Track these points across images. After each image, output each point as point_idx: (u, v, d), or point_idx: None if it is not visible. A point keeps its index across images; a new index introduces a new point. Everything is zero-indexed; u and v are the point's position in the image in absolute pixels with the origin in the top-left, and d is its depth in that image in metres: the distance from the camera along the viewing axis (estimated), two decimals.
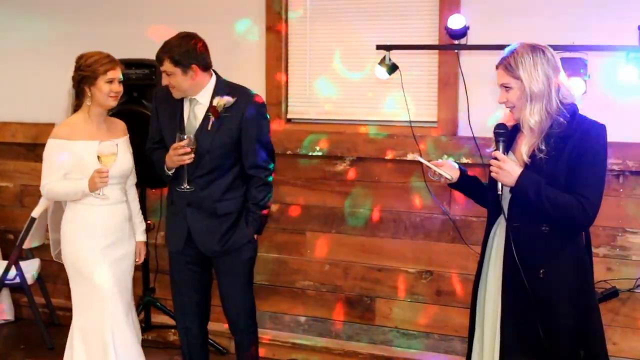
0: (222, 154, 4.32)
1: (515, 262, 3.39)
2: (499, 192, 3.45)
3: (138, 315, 5.61)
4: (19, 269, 5.75)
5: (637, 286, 4.83)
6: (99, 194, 4.20)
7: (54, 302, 6.20)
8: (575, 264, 3.41)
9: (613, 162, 4.71)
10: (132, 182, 4.56)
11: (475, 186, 3.73)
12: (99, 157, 4.09)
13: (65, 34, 6.09)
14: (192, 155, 4.22)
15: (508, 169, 3.37)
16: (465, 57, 5.04)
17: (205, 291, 4.61)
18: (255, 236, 4.49)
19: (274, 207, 5.63)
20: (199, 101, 4.34)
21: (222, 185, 4.35)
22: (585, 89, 4.43)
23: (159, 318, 5.86)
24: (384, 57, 4.94)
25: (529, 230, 3.41)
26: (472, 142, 4.96)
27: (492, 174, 3.42)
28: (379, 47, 4.96)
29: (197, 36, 4.32)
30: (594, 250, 3.72)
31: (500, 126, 3.47)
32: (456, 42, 4.85)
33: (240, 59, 5.64)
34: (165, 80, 4.29)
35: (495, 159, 3.41)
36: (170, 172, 4.37)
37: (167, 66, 4.22)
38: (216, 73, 4.40)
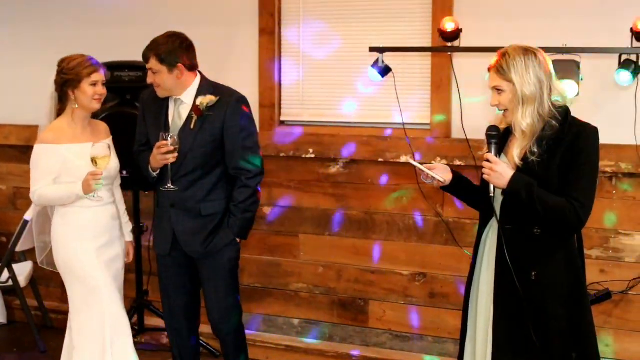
0: (205, 153, 4.32)
1: (507, 264, 3.40)
2: (491, 194, 3.45)
3: (131, 318, 5.62)
4: (11, 271, 5.73)
5: (630, 288, 4.83)
6: (93, 196, 4.19)
7: (46, 305, 6.18)
8: (567, 266, 3.42)
9: (606, 164, 4.72)
10: (117, 183, 4.56)
11: (467, 189, 3.72)
12: (93, 160, 4.09)
13: (59, 37, 6.07)
14: (176, 155, 4.22)
15: (500, 171, 3.37)
16: (459, 59, 5.05)
17: (193, 293, 4.61)
18: (239, 240, 4.47)
19: (267, 209, 5.63)
20: (183, 101, 4.35)
21: (205, 185, 4.36)
22: (578, 91, 4.43)
23: (152, 321, 5.85)
24: (377, 60, 4.94)
25: (521, 232, 3.42)
26: (465, 144, 4.96)
27: (484, 176, 3.42)
28: (372, 50, 4.95)
29: (184, 36, 4.33)
30: (586, 252, 3.72)
31: (492, 128, 3.48)
32: (449, 44, 4.85)
33: (234, 61, 5.64)
34: (150, 79, 4.31)
35: (488, 161, 3.41)
36: (155, 174, 4.38)
37: (153, 64, 4.24)
38: (201, 73, 4.41)
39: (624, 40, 4.48)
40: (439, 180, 3.61)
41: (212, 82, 4.42)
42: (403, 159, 5.18)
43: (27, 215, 5.57)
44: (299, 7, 5.56)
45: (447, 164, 3.99)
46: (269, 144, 5.48)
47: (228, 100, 4.33)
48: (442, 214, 5.21)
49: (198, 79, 4.38)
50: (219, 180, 4.39)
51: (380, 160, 5.31)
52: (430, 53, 5.19)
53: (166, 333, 5.73)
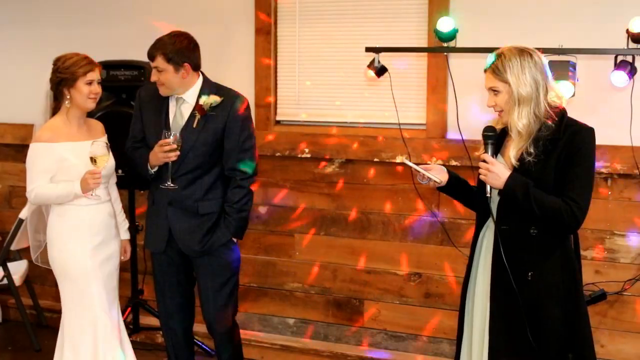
0: (205, 152, 4.34)
1: (503, 265, 3.40)
2: (488, 195, 3.46)
3: (126, 316, 5.61)
4: (6, 270, 5.73)
5: (625, 289, 4.84)
6: (91, 194, 4.19)
7: (41, 304, 6.18)
8: (563, 267, 3.42)
9: (601, 165, 4.72)
10: (113, 181, 4.55)
11: (463, 189, 3.73)
12: (92, 159, 4.09)
13: (55, 36, 6.07)
14: (178, 152, 4.24)
15: (496, 172, 3.37)
16: (454, 59, 5.05)
17: (188, 292, 4.63)
18: (236, 240, 4.49)
19: (263, 209, 5.63)
20: (185, 100, 4.37)
21: (204, 184, 4.38)
22: (574, 92, 4.44)
23: (147, 320, 5.84)
24: (373, 60, 4.94)
25: (518, 232, 3.42)
26: (460, 144, 4.97)
27: (481, 177, 3.43)
28: (368, 50, 4.95)
29: (190, 35, 4.36)
30: (582, 252, 3.73)
31: (488, 129, 3.48)
32: (445, 44, 4.84)
33: (230, 60, 5.63)
34: (155, 77, 4.31)
35: (484, 161, 3.41)
36: (153, 171, 4.39)
37: (159, 62, 4.25)
38: (203, 74, 4.43)
39: (620, 41, 4.48)
40: (435, 181, 3.61)
41: (214, 82, 4.45)
42: (399, 159, 5.18)
43: (22, 214, 5.57)
44: (294, 7, 5.55)
45: (443, 164, 3.98)
46: (264, 144, 5.48)
47: (231, 101, 4.36)
48: (438, 214, 5.21)
49: (201, 79, 4.41)
50: (216, 180, 4.41)
51: (375, 160, 5.31)
52: (426, 53, 5.20)
53: (161, 332, 5.74)
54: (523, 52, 3.38)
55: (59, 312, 4.38)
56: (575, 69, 4.49)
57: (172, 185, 4.33)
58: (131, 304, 5.73)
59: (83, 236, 4.27)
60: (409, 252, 5.34)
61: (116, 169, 4.53)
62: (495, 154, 3.48)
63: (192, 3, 5.77)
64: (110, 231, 4.41)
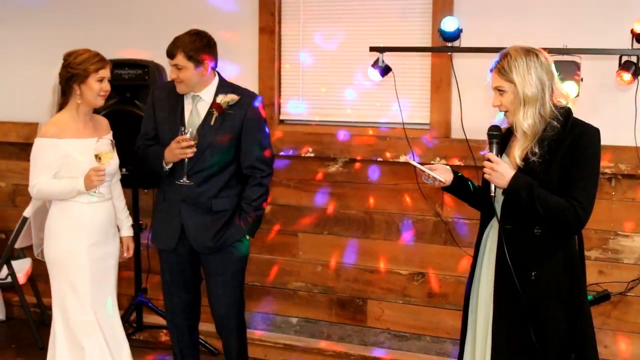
0: (222, 150, 4.38)
1: (507, 264, 3.40)
2: (492, 194, 3.46)
3: (130, 315, 5.62)
4: (10, 268, 5.73)
5: (629, 289, 4.83)
6: (95, 192, 4.19)
7: (45, 302, 6.17)
8: (567, 267, 3.42)
9: (606, 166, 4.72)
10: (117, 179, 4.54)
11: (468, 189, 3.73)
12: (97, 156, 4.08)
13: (58, 34, 6.07)
14: (195, 149, 4.28)
15: (501, 171, 3.37)
16: (458, 59, 5.05)
17: (195, 290, 4.65)
18: (248, 237, 4.52)
19: (266, 208, 5.63)
20: (202, 98, 4.43)
21: (219, 182, 4.41)
22: (579, 92, 4.43)
23: (150, 318, 5.85)
24: (377, 59, 4.94)
25: (522, 232, 3.42)
26: (464, 144, 4.96)
27: (485, 176, 3.43)
28: (372, 49, 4.95)
29: (209, 34, 4.42)
30: (586, 253, 3.72)
31: (493, 128, 3.48)
32: (449, 44, 4.84)
33: (233, 60, 5.63)
34: (174, 74, 4.36)
35: (489, 160, 3.42)
36: (167, 167, 4.40)
37: (179, 59, 4.30)
38: (218, 73, 4.49)
39: (624, 42, 4.48)
40: (440, 181, 3.61)
41: (229, 82, 4.52)
42: (402, 158, 5.18)
43: (26, 212, 5.57)
44: (298, 7, 5.56)
45: (447, 164, 3.98)
46: None
47: (248, 100, 4.43)
48: (441, 213, 5.21)
49: (217, 77, 4.47)
50: (231, 178, 4.46)
51: (379, 159, 5.31)
52: (430, 53, 5.19)
53: (165, 331, 5.75)
54: (529, 52, 3.38)
55: None
56: (579, 69, 4.48)
57: (187, 181, 4.36)
58: (135, 302, 5.73)
59: (82, 233, 4.25)
60: (412, 251, 5.34)
61: (120, 167, 4.53)
62: (500, 153, 3.48)
63: (196, 2, 5.77)
64: (110, 230, 4.40)
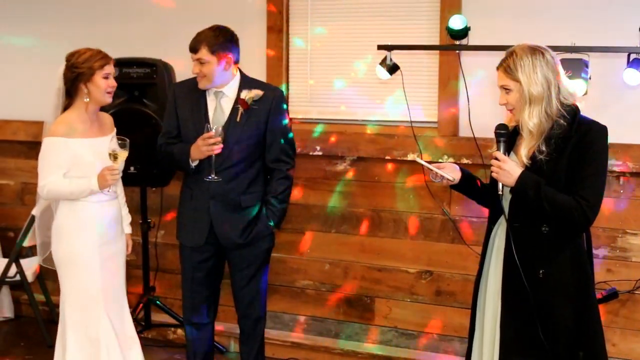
0: (250, 145, 4.43)
1: (515, 262, 3.40)
2: (500, 192, 3.46)
3: (138, 313, 5.63)
4: (19, 266, 5.75)
5: (637, 288, 4.83)
6: (108, 190, 4.20)
7: (53, 300, 6.18)
8: (575, 265, 3.42)
9: (614, 164, 4.71)
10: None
11: (476, 187, 3.73)
12: (113, 155, 4.07)
13: (67, 33, 6.08)
14: (221, 146, 4.30)
15: (508, 169, 3.37)
16: (466, 57, 5.04)
17: (216, 288, 4.69)
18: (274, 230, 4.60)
19: None
20: (225, 94, 4.46)
21: (246, 178, 4.47)
22: (586, 90, 4.43)
23: (159, 317, 5.86)
24: (385, 57, 4.94)
25: (529, 230, 3.42)
26: (472, 142, 4.96)
27: (493, 174, 3.43)
28: (380, 47, 4.96)
29: (231, 30, 4.47)
30: (594, 251, 3.72)
31: (501, 126, 3.48)
32: (457, 42, 4.84)
33: (241, 58, 5.62)
34: (196, 69, 4.38)
35: (496, 159, 3.42)
36: (194, 165, 4.42)
37: (203, 54, 4.33)
38: (239, 68, 4.52)
39: (633, 40, 4.47)
40: (448, 179, 3.61)
41: (250, 77, 4.56)
42: (410, 156, 5.18)
43: (35, 211, 5.58)
44: (306, 5, 5.56)
45: (455, 162, 3.98)
46: None
47: (272, 95, 4.48)
48: (449, 212, 5.21)
49: (239, 73, 4.51)
50: (258, 173, 4.52)
51: (387, 158, 5.31)
52: (438, 51, 5.19)
53: (173, 329, 5.76)
54: (535, 51, 3.38)
55: None
56: (587, 67, 4.48)
57: (216, 178, 4.39)
58: (143, 300, 5.74)
59: (92, 233, 4.24)
60: (420, 249, 5.34)
61: (128, 166, 4.55)
62: (508, 151, 3.48)
63: (203, 1, 5.77)
64: (118, 228, 4.40)
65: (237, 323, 4.77)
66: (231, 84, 4.46)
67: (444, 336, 5.33)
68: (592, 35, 4.64)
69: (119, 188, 4.52)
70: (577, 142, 3.34)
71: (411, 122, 5.11)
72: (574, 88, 3.50)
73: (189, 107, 4.50)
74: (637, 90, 4.66)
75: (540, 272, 3.40)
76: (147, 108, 5.36)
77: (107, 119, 4.44)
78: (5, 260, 5.84)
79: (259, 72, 5.59)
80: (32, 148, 6.25)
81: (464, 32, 4.76)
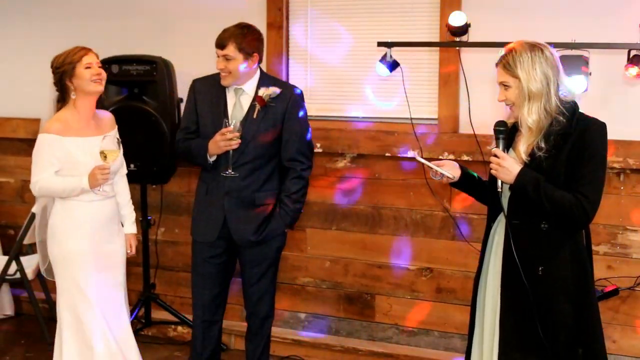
0: (265, 142, 4.45)
1: (514, 259, 3.39)
2: (499, 190, 3.45)
3: (138, 311, 5.63)
4: (19, 264, 5.75)
5: (638, 284, 4.82)
6: (99, 190, 4.18)
7: (54, 298, 6.11)
8: (574, 262, 3.41)
9: (614, 160, 4.71)
10: (123, 173, 4.50)
11: (476, 184, 3.72)
12: (102, 153, 4.06)
13: (67, 30, 6.08)
14: (239, 141, 4.33)
15: (507, 166, 3.37)
16: (467, 54, 5.04)
17: (226, 285, 4.70)
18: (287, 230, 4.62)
19: None
20: (245, 91, 4.49)
21: (262, 175, 4.49)
22: (587, 87, 4.42)
23: (159, 314, 5.86)
24: (385, 54, 4.94)
25: (529, 227, 3.42)
26: (472, 139, 4.96)
27: (492, 171, 3.42)
28: (380, 44, 4.95)
29: (258, 29, 4.52)
30: (594, 248, 3.72)
31: (500, 123, 3.48)
32: (457, 39, 4.84)
33: None
34: (221, 65, 4.40)
35: (495, 156, 3.41)
36: (212, 160, 4.44)
37: (230, 50, 4.36)
38: (259, 67, 4.55)
39: (633, 36, 4.47)
40: (448, 177, 3.61)
41: (270, 75, 4.62)
42: (410, 153, 5.17)
43: (35, 208, 5.59)
44: (306, 1, 5.55)
45: (455, 159, 3.98)
46: None
47: (290, 93, 4.51)
48: (450, 209, 5.21)
49: (258, 71, 4.54)
50: (273, 171, 4.53)
51: (387, 155, 5.31)
52: (438, 48, 5.19)
53: (173, 326, 5.76)
54: (534, 47, 3.37)
55: None
56: (588, 63, 4.47)
57: (232, 173, 4.41)
58: (143, 298, 5.74)
59: (85, 232, 4.23)
60: (420, 246, 5.34)
61: (129, 163, 4.54)
62: (507, 148, 3.47)
63: None
64: (113, 227, 4.38)
65: (245, 320, 4.77)
66: (251, 82, 4.49)
67: (444, 333, 5.33)
68: (592, 31, 4.64)
69: (121, 186, 4.49)
70: (576, 139, 3.34)
71: (411, 118, 5.11)
72: (572, 85, 3.49)
73: (209, 103, 4.53)
74: (637, 87, 4.66)
75: (540, 269, 3.39)
76: (147, 105, 5.36)
77: (107, 117, 4.42)
78: (6, 258, 5.84)
79: None
80: (32, 145, 6.11)
81: (464, 29, 4.76)
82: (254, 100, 4.46)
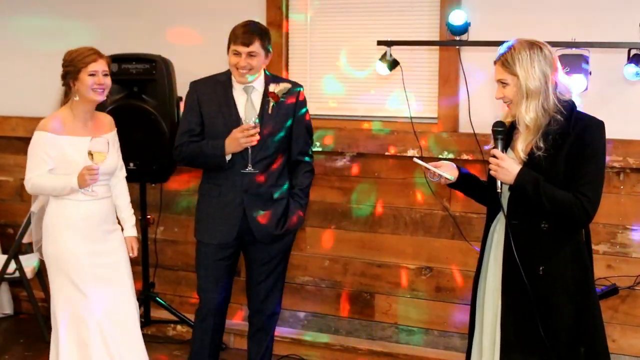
0: (281, 137, 4.47)
1: (514, 259, 3.39)
2: (499, 190, 3.45)
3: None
4: (18, 263, 5.75)
5: (637, 283, 4.82)
6: (88, 190, 4.16)
7: None
8: (574, 261, 3.41)
9: (614, 159, 4.70)
10: (122, 175, 4.49)
11: (474, 185, 3.72)
12: (90, 154, 4.03)
13: (67, 29, 6.07)
14: (258, 137, 4.33)
15: (506, 167, 3.37)
16: (466, 53, 5.04)
17: (230, 285, 4.68)
18: None
19: None
20: (255, 88, 4.49)
21: (277, 170, 4.51)
22: (587, 86, 4.42)
23: (158, 313, 5.85)
24: (385, 53, 4.93)
25: (528, 227, 3.41)
26: (472, 138, 4.95)
27: (491, 172, 3.42)
28: (379, 43, 4.95)
29: None
30: (594, 247, 3.71)
31: (498, 124, 3.48)
32: (457, 38, 4.84)
33: None
34: (244, 62, 4.38)
35: (494, 156, 3.41)
36: (228, 158, 4.42)
37: (256, 47, 4.38)
38: None
39: (633, 35, 4.47)
40: (446, 178, 3.60)
41: (271, 73, 4.64)
42: (410, 152, 5.17)
43: (34, 207, 5.58)
44: (306, 1, 5.55)
45: (455, 158, 3.98)
46: None
47: (297, 89, 4.55)
48: (449, 208, 5.20)
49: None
50: (284, 166, 4.56)
51: (387, 153, 5.30)
52: (438, 47, 5.18)
53: (172, 325, 5.76)
54: (533, 46, 3.37)
55: None
56: (588, 62, 4.47)
57: (252, 169, 4.41)
58: (142, 297, 5.73)
59: (77, 231, 4.21)
60: (420, 246, 5.33)
61: (127, 162, 4.52)
62: (505, 148, 3.47)
63: None
64: (108, 227, 4.34)
65: (248, 319, 4.76)
66: (260, 78, 4.51)
67: (444, 332, 5.33)
68: (592, 30, 4.64)
69: (120, 189, 4.48)
70: (575, 139, 3.33)
71: (411, 117, 5.11)
72: (571, 83, 3.49)
73: (216, 103, 4.49)
74: (637, 86, 4.66)
75: (540, 269, 3.39)
76: (146, 104, 5.35)
77: (106, 119, 4.41)
78: (5, 257, 5.83)
79: None
80: None
81: (464, 28, 4.76)
82: (265, 96, 4.46)
